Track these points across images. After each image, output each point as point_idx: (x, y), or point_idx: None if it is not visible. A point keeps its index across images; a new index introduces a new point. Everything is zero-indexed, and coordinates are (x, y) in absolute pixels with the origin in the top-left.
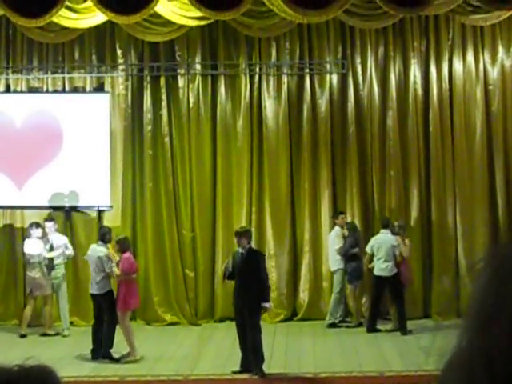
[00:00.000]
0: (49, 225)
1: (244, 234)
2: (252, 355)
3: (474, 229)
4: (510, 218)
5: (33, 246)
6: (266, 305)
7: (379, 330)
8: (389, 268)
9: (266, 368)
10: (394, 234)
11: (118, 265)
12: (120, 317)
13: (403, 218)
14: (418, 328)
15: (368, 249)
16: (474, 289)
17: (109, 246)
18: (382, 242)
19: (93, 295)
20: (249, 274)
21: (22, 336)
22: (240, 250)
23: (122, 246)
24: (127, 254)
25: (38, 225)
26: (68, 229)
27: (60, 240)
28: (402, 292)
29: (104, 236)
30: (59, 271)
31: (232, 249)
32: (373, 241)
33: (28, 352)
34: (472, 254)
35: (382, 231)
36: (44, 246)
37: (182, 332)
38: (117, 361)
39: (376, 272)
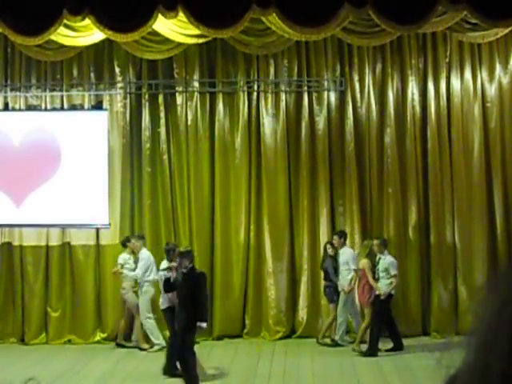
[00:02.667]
0: (133, 241)
1: (186, 254)
2: (184, 378)
3: (472, 245)
4: (508, 234)
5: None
6: (203, 325)
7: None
8: None
9: None
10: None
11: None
12: None
13: (403, 235)
14: (417, 346)
15: None
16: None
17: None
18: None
19: None
20: (189, 293)
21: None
22: (183, 270)
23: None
24: None
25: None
26: (67, 247)
27: (141, 257)
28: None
29: (168, 253)
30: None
31: (230, 267)
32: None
33: (30, 369)
34: (470, 270)
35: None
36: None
37: None
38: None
39: None
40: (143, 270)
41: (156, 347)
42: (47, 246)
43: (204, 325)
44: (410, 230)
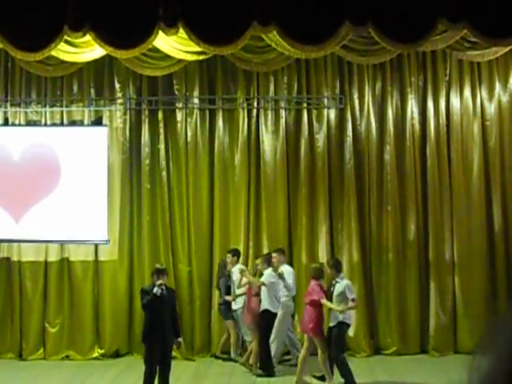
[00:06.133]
0: (274, 255)
1: (164, 271)
2: None
3: (471, 263)
4: (508, 252)
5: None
6: (180, 339)
7: None
8: None
9: None
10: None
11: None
12: None
13: (401, 253)
14: (415, 364)
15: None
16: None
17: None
18: None
19: None
20: (170, 310)
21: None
22: (160, 287)
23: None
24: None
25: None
26: (65, 263)
27: (288, 270)
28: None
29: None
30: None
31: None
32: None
33: (28, 383)
34: (469, 288)
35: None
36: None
37: (177, 367)
38: None
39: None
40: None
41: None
42: (46, 262)
43: (181, 339)
44: (409, 247)
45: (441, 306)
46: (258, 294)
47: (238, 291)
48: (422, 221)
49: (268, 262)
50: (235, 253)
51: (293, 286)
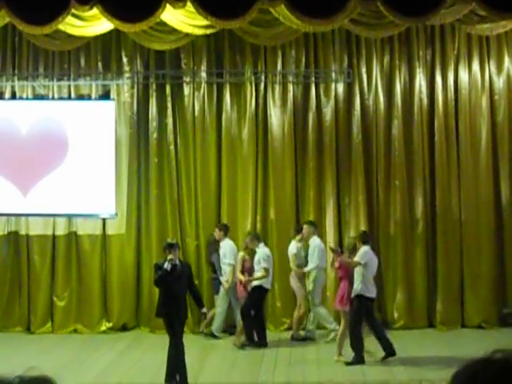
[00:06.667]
0: (304, 226)
1: (176, 245)
2: (177, 369)
3: (479, 238)
4: None
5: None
6: (204, 309)
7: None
8: None
9: (271, 377)
10: None
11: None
12: None
13: (409, 227)
14: (422, 338)
15: None
16: None
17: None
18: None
19: None
20: (184, 285)
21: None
22: (173, 262)
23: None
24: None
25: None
26: (73, 236)
27: (314, 243)
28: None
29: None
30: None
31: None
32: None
33: (35, 358)
34: (477, 263)
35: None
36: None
37: (185, 340)
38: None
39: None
40: (318, 259)
41: (333, 334)
42: (54, 236)
43: (205, 309)
44: (417, 222)
45: (448, 280)
46: (250, 269)
47: (226, 285)
48: (429, 195)
49: (258, 238)
50: (222, 227)
51: (320, 259)
